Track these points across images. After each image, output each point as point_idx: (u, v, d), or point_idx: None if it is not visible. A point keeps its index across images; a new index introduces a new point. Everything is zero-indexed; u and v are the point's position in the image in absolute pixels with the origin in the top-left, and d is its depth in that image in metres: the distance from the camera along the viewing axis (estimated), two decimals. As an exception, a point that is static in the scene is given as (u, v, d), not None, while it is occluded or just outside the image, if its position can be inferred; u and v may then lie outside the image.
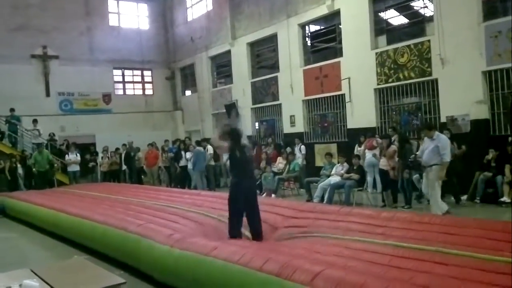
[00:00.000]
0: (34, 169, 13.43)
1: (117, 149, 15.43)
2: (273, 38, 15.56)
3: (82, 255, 6.15)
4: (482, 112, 9.71)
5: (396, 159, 8.92)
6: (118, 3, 20.64)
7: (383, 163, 9.18)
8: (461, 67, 9.97)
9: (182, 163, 13.79)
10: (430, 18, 10.97)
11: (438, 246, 3.91)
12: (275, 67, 15.68)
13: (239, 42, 17.01)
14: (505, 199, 8.40)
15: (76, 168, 14.68)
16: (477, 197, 8.99)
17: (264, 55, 16.70)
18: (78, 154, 14.83)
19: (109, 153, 15.22)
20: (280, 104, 15.36)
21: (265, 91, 15.96)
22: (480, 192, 8.95)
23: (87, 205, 8.30)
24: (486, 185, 8.92)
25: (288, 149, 12.82)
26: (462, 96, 9.97)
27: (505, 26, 9.22)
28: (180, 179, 14.10)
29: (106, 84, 19.80)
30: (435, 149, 7.21)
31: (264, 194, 11.05)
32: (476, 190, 9.05)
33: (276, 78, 15.41)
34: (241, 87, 16.96)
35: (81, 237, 6.86)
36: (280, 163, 12.16)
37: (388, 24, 12.29)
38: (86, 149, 16.22)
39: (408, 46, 11.18)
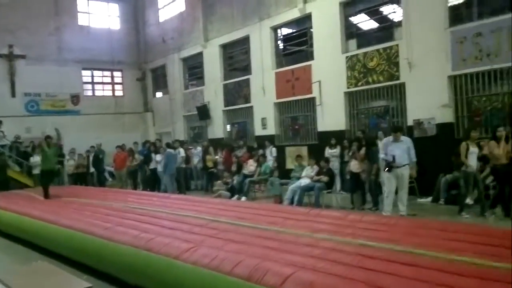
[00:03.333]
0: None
1: (87, 151, 15.11)
2: (245, 41, 15.59)
3: (47, 260, 5.98)
4: (447, 116, 9.99)
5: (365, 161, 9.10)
6: (88, 2, 20.33)
7: (355, 166, 9.33)
8: (427, 71, 10.23)
9: (152, 165, 13.61)
10: (399, 23, 11.22)
11: (404, 247, 3.98)
12: (247, 69, 15.71)
13: (212, 44, 16.96)
14: (468, 201, 8.64)
15: (42, 170, 14.26)
16: (441, 198, 9.23)
17: (236, 57, 16.71)
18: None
19: (76, 155, 14.86)
20: (252, 107, 15.39)
21: (237, 93, 15.96)
22: (444, 194, 9.20)
23: (53, 208, 8.08)
24: (449, 187, 9.17)
25: (260, 152, 12.85)
26: (428, 100, 10.23)
27: (470, 32, 9.53)
28: (149, 181, 13.91)
29: (75, 85, 19.41)
30: (406, 150, 7.79)
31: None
32: (439, 192, 9.30)
33: (248, 80, 15.43)
34: (213, 89, 16.91)
35: (46, 241, 6.66)
36: (251, 165, 12.16)
37: (358, 28, 12.50)
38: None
39: (378, 50, 11.40)
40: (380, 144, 8.54)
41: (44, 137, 10.51)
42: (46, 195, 9.95)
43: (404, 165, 7.80)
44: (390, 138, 8.01)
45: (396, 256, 3.74)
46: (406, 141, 7.96)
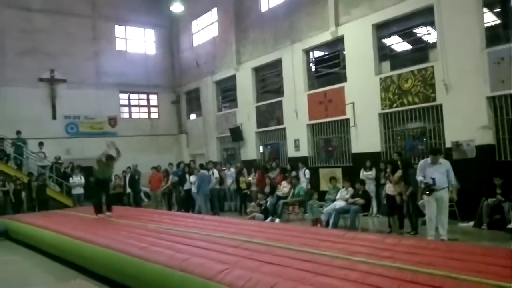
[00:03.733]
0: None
1: (123, 171, 15.45)
2: (277, 63, 15.74)
3: (84, 279, 6.09)
4: (487, 138, 9.69)
5: (402, 184, 8.88)
6: (125, 28, 21.03)
7: (390, 189, 9.13)
8: (465, 92, 10.00)
9: (186, 186, 13.76)
10: (434, 45, 11.09)
11: (445, 271, 3.84)
12: (279, 91, 15.81)
13: (244, 67, 17.21)
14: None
15: (81, 191, 14.70)
16: (483, 223, 8.87)
17: (268, 79, 16.86)
18: (82, 177, 14.85)
19: (113, 176, 15.20)
20: (284, 128, 15.40)
21: (269, 115, 16.04)
22: (486, 219, 8.84)
23: (90, 228, 8.25)
24: (492, 212, 8.82)
25: (293, 173, 12.79)
26: (466, 121, 9.96)
27: (508, 53, 9.29)
28: (184, 202, 14.04)
29: (112, 108, 20.03)
30: (445, 173, 7.57)
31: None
32: (482, 216, 8.94)
33: (280, 102, 15.51)
34: (245, 111, 17.06)
35: (83, 260, 6.79)
36: (284, 187, 12.09)
37: (392, 50, 12.42)
38: (91, 172, 16.20)
39: (412, 71, 11.26)
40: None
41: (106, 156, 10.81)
42: (98, 210, 10.02)
43: (443, 188, 7.55)
44: (428, 160, 7.79)
45: (438, 281, 3.60)
46: (445, 163, 7.72)
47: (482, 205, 8.96)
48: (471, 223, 9.13)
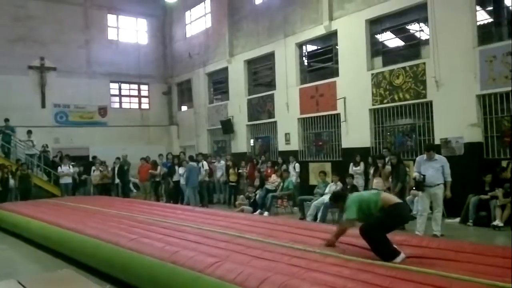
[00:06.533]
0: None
1: (114, 162, 15.41)
2: (270, 56, 15.70)
3: (72, 268, 6.06)
4: (476, 135, 9.79)
5: (390, 179, 8.97)
6: (117, 17, 20.79)
7: (378, 184, 9.20)
8: (455, 90, 10.09)
9: (176, 178, 13.73)
10: (426, 41, 11.13)
11: (437, 270, 3.87)
12: (271, 85, 15.79)
13: (237, 59, 17.15)
14: (498, 222, 8.41)
15: (69, 180, 14.61)
16: (469, 220, 9.00)
17: (261, 72, 16.83)
18: (71, 166, 14.75)
19: (100, 166, 15.13)
20: (275, 122, 15.41)
21: (261, 108, 16.03)
22: (472, 215, 8.97)
23: (79, 218, 8.21)
24: (478, 208, 8.94)
25: (283, 167, 12.82)
26: (456, 118, 10.06)
27: (500, 51, 9.38)
28: (173, 194, 14.02)
29: (103, 97, 19.86)
30: (440, 169, 7.56)
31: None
32: (468, 212, 9.07)
33: (272, 96, 15.50)
34: (237, 104, 17.03)
35: (71, 250, 6.77)
36: (274, 180, 12.13)
37: (384, 46, 12.46)
38: (80, 161, 16.13)
39: (404, 68, 11.32)
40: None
41: None
42: None
43: (437, 185, 7.58)
44: (424, 156, 7.84)
45: (429, 279, 3.62)
46: (440, 159, 7.75)
47: (469, 201, 9.08)
48: (457, 220, 9.26)
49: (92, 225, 7.11)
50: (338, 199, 5.32)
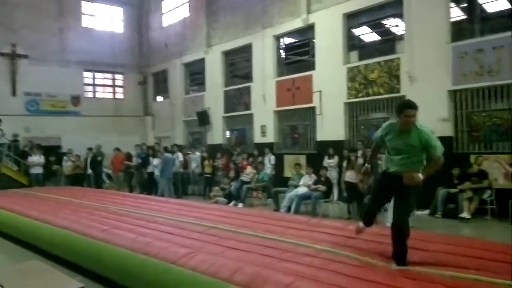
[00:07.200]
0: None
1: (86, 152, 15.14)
2: (247, 48, 15.65)
3: (42, 260, 5.95)
4: (446, 130, 10.02)
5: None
6: (92, 5, 20.31)
7: (350, 176, 9.34)
8: (428, 85, 10.29)
9: (150, 169, 13.60)
10: (401, 37, 11.30)
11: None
12: (248, 77, 15.76)
13: (214, 51, 17.03)
14: (465, 215, 8.67)
15: (39, 170, 14.27)
16: (438, 212, 9.25)
17: (238, 64, 16.77)
18: (42, 156, 14.42)
19: (73, 157, 14.84)
20: (252, 114, 15.41)
21: (237, 100, 16.00)
22: (441, 208, 9.22)
23: (49, 209, 8.05)
24: (447, 201, 9.20)
25: (259, 159, 12.86)
26: (428, 113, 10.16)
27: (472, 48, 9.61)
28: (146, 185, 13.89)
29: (76, 86, 19.44)
30: None
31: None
32: (437, 205, 9.32)
33: (249, 88, 15.48)
34: (213, 95, 16.95)
35: (41, 241, 6.63)
36: (249, 172, 12.15)
37: (361, 40, 12.59)
38: (51, 151, 15.79)
39: (379, 62, 11.46)
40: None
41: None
42: None
43: None
44: None
45: (398, 271, 3.70)
46: None
47: (438, 194, 9.32)
48: (427, 212, 9.50)
49: (63, 216, 6.98)
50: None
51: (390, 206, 7.92)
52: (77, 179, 14.59)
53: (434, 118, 10.11)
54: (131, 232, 5.42)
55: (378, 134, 4.47)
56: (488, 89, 9.47)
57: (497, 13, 9.98)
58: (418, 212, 9.49)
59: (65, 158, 14.96)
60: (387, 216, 7.92)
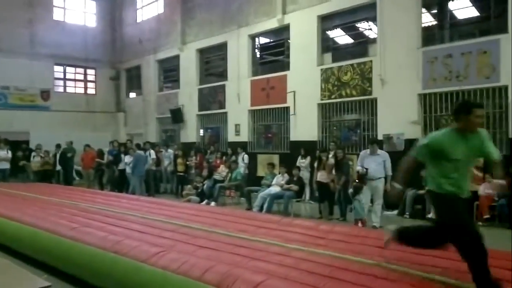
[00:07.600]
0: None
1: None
2: (223, 47, 15.62)
3: (8, 259, 5.80)
4: (416, 132, 10.28)
5: (334, 172, 9.27)
6: (64, -3, 19.89)
7: (322, 176, 9.47)
8: (399, 88, 10.54)
9: (121, 166, 13.40)
10: (374, 40, 11.52)
11: (376, 260, 4.02)
12: (223, 75, 15.74)
13: (189, 48, 16.92)
14: (432, 215, 8.90)
15: (6, 166, 13.84)
16: (406, 212, 9.48)
17: (213, 62, 16.72)
18: (9, 151, 14.00)
19: (42, 152, 14.48)
20: (226, 113, 15.40)
21: (212, 99, 15.95)
22: (409, 208, 9.47)
23: (16, 205, 7.84)
24: (415, 202, 9.45)
25: (233, 158, 12.87)
26: (398, 116, 10.51)
27: (441, 53, 9.89)
28: (118, 182, 13.69)
29: (46, 80, 18.99)
30: (382, 163, 7.97)
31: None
32: (405, 205, 9.55)
33: (223, 86, 15.45)
34: (188, 93, 16.84)
35: (7, 239, 6.45)
36: (222, 171, 12.16)
37: (334, 42, 12.76)
38: (19, 146, 15.36)
39: (352, 65, 11.65)
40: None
41: None
42: None
43: (379, 178, 7.97)
44: (367, 150, 8.20)
45: (368, 269, 3.76)
46: (382, 154, 8.17)
47: (406, 195, 9.56)
48: (395, 212, 9.73)
49: (30, 213, 6.81)
50: None
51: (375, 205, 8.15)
52: (46, 176, 14.26)
53: (404, 121, 10.40)
54: (101, 230, 5.34)
55: (422, 151, 3.79)
56: (457, 94, 9.76)
57: (466, 20, 10.32)
58: (387, 213, 9.75)
59: (33, 153, 14.58)
60: (372, 216, 8.13)
